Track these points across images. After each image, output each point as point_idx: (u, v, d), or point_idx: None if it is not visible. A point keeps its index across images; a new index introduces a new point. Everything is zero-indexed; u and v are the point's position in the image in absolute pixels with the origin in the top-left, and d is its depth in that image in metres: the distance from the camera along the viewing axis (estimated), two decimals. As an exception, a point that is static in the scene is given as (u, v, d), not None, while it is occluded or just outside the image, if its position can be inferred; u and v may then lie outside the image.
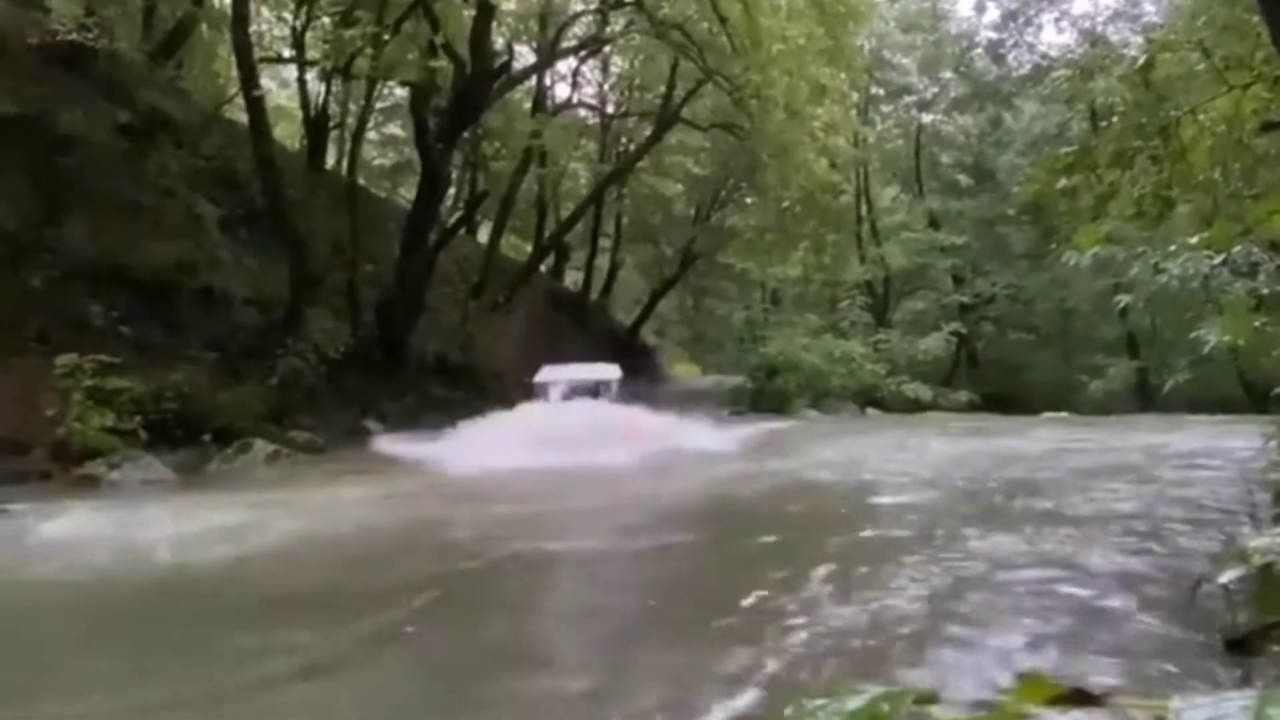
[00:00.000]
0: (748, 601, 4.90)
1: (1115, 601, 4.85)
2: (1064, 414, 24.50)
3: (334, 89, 20.57)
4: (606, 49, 26.69)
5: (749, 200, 31.28)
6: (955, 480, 9.72)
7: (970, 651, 4.10)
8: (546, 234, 28.47)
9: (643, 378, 31.26)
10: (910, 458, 12.75)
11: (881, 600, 4.88)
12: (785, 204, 26.13)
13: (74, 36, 12.77)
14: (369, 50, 14.95)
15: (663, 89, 26.45)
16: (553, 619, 5.24)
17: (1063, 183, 11.29)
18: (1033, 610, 4.74)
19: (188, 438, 12.04)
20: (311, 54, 17.61)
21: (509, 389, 19.44)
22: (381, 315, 17.73)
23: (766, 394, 27.25)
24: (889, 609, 4.74)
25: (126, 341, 12.95)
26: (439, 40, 15.55)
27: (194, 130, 16.45)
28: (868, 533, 7.26)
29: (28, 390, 11.53)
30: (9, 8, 13.82)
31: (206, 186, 16.25)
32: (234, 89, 17.99)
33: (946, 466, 11.08)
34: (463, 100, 17.10)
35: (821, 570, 5.54)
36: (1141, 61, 12.52)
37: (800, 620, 4.56)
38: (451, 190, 23.77)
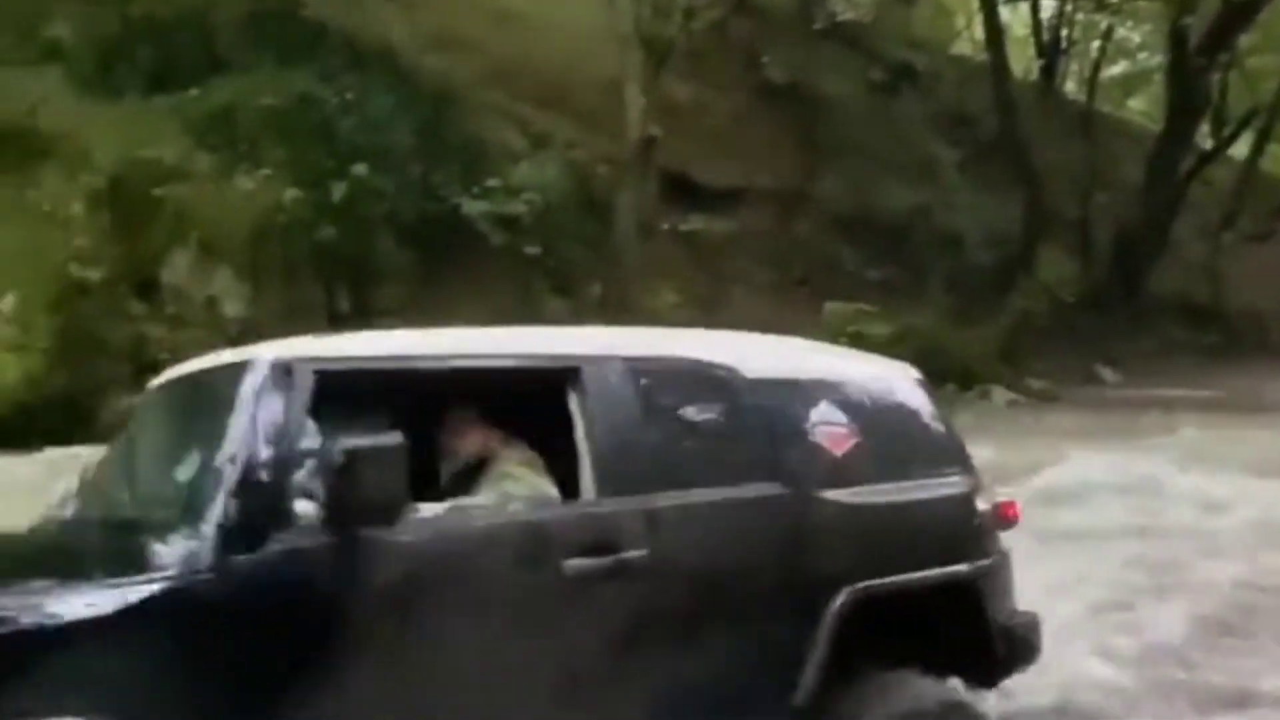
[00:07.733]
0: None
1: None
2: None
3: (1067, 8, 19.31)
4: None
5: None
6: None
7: None
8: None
9: None
10: None
11: None
12: None
13: (848, 16, 13.68)
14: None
15: None
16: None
17: None
18: None
19: (929, 380, 12.49)
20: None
21: (1270, 334, 16.85)
22: (1119, 251, 16.44)
23: None
24: None
25: (870, 283, 13.98)
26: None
27: (931, 75, 16.86)
28: None
29: (792, 329, 13.14)
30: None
31: (941, 128, 16.61)
32: (963, 21, 17.98)
33: None
34: (1232, 4, 14.70)
35: None
36: None
37: None
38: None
